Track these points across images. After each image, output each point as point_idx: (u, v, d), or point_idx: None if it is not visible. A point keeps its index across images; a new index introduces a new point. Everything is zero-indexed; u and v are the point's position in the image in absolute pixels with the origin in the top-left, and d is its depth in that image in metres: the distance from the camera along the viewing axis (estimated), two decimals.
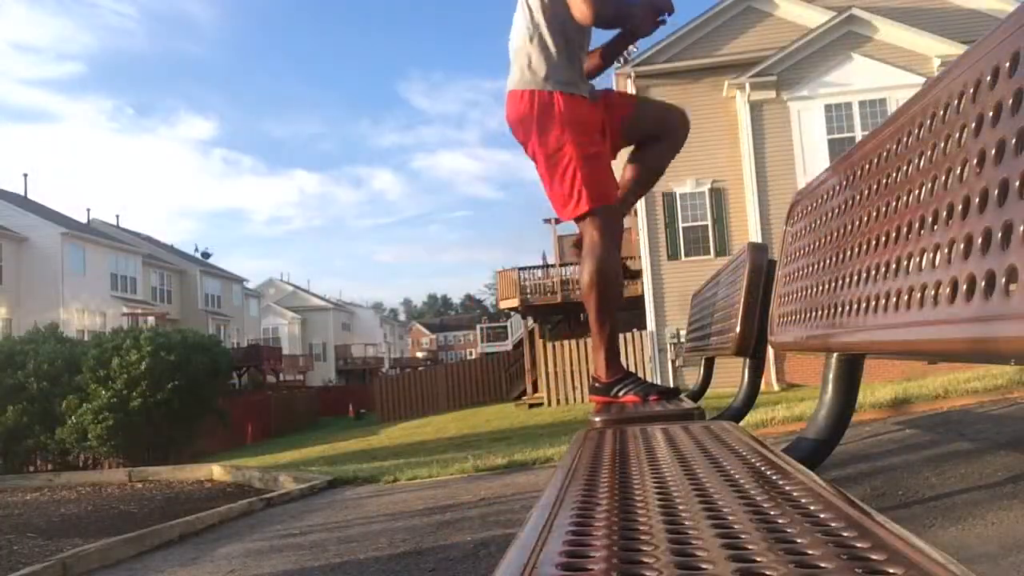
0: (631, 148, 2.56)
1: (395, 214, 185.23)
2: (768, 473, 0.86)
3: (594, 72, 2.63)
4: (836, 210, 1.39)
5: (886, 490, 2.75)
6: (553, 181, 2.32)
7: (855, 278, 1.18)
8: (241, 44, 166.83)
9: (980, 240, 0.75)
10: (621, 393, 2.29)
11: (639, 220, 15.41)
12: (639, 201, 2.84)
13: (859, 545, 0.54)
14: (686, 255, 15.17)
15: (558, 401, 16.05)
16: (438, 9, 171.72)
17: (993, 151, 0.75)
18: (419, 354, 77.14)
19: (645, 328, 15.39)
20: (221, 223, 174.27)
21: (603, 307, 2.32)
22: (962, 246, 0.79)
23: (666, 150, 2.52)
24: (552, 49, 2.34)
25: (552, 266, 21.86)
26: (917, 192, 0.97)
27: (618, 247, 2.41)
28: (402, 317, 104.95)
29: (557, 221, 22.69)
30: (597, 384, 2.36)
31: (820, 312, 1.38)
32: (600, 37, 2.57)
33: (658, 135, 2.51)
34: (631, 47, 2.65)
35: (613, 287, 2.33)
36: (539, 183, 2.43)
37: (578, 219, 2.34)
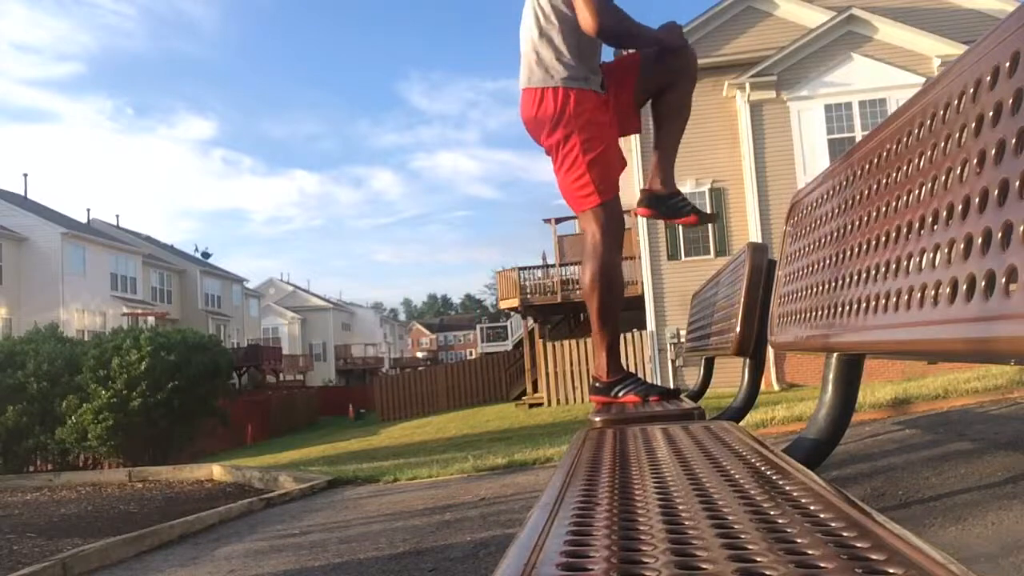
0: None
1: (395, 214, 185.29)
2: (768, 473, 0.86)
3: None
4: (836, 210, 1.39)
5: (886, 490, 2.75)
6: (563, 175, 2.36)
7: (855, 278, 1.18)
8: (240, 44, 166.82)
9: (980, 240, 0.75)
10: (621, 393, 2.30)
11: (639, 220, 15.41)
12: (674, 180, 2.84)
13: (859, 545, 0.54)
14: (686, 255, 15.17)
15: (558, 401, 16.05)
16: (438, 10, 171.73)
17: (993, 151, 0.75)
18: (419, 354, 77.12)
19: (645, 328, 15.39)
20: (221, 223, 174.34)
21: (605, 308, 2.33)
22: (962, 246, 0.79)
23: (682, 90, 2.53)
24: (562, 46, 2.33)
25: (552, 266, 21.85)
26: (917, 192, 0.97)
27: (619, 245, 2.42)
28: (402, 317, 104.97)
29: (557, 221, 22.69)
30: (598, 384, 2.37)
31: (820, 312, 1.38)
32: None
33: (671, 82, 2.51)
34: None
35: (614, 288, 2.35)
36: (539, 182, 2.43)
37: (582, 214, 2.37)
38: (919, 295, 0.90)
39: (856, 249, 1.21)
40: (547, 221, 23.84)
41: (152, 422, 14.53)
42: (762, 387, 3.35)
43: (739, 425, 1.44)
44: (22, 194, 32.56)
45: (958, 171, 0.83)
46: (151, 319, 28.03)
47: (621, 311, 2.42)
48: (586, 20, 2.22)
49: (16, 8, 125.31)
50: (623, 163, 2.46)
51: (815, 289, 1.45)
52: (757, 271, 2.35)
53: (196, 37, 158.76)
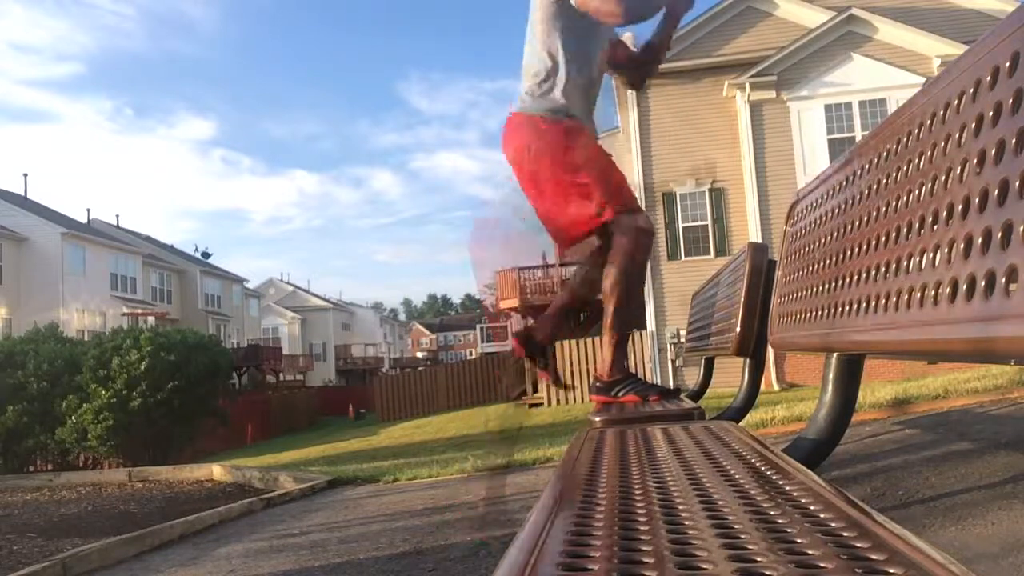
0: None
1: (395, 214, 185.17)
2: (768, 473, 0.86)
3: (645, 69, 2.63)
4: (836, 210, 1.39)
5: (886, 490, 2.75)
6: (567, 197, 2.29)
7: (855, 278, 1.18)
8: (240, 44, 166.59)
9: (980, 240, 0.75)
10: (621, 393, 2.29)
11: None
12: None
13: (859, 545, 0.54)
14: (686, 255, 15.16)
15: (558, 401, 16.04)
16: (437, 10, 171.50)
17: (993, 151, 0.75)
18: (419, 354, 77.09)
19: (645, 328, 15.39)
20: (221, 223, 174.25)
21: (621, 311, 2.32)
22: (962, 246, 0.79)
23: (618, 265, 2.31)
24: (563, 78, 2.32)
25: (552, 266, 21.84)
26: (917, 192, 0.96)
27: (646, 254, 2.38)
28: (402, 317, 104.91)
29: None
30: (599, 384, 2.37)
31: (820, 312, 1.38)
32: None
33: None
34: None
35: (634, 294, 2.34)
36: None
37: (600, 228, 2.31)
38: (919, 295, 0.90)
39: (856, 249, 1.21)
40: None
41: (152, 422, 14.53)
42: (762, 387, 3.35)
43: (739, 425, 1.44)
44: (22, 194, 32.55)
45: (958, 171, 0.83)
46: (151, 319, 28.02)
47: (633, 314, 2.42)
48: (610, 13, 2.19)
49: (15, 8, 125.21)
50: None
51: (815, 289, 1.45)
52: (757, 271, 2.34)
53: (195, 37, 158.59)
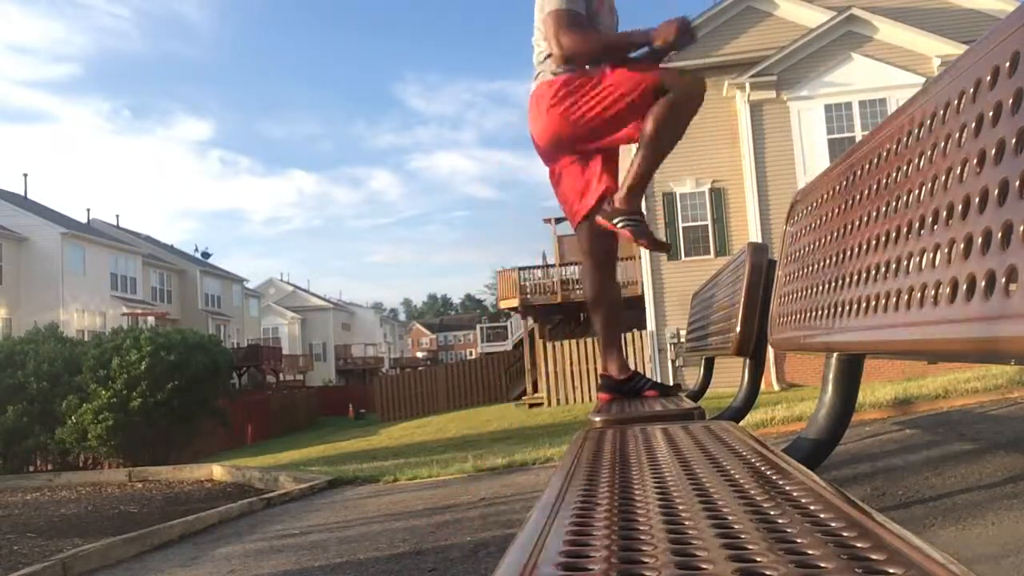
0: None
1: (394, 214, 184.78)
2: (768, 473, 0.86)
3: None
4: (836, 210, 1.39)
5: (886, 490, 2.75)
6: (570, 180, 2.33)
7: (855, 278, 1.18)
8: (237, 45, 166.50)
9: (980, 240, 0.75)
10: (647, 386, 2.38)
11: None
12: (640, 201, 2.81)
13: (859, 545, 0.54)
14: (686, 255, 15.17)
15: (558, 401, 16.05)
16: (434, 12, 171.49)
17: (993, 151, 0.75)
18: (419, 354, 77.11)
19: (645, 328, 15.39)
20: (220, 223, 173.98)
21: (608, 316, 2.34)
22: (962, 246, 0.79)
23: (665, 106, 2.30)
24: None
25: (552, 266, 21.85)
26: (917, 192, 0.96)
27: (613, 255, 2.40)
28: (402, 317, 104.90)
29: (557, 221, 22.69)
30: (609, 382, 2.42)
31: (820, 312, 1.38)
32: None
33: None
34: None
35: (615, 299, 2.37)
36: (538, 182, 2.40)
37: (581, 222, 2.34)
38: (919, 295, 0.90)
39: (856, 249, 1.21)
40: (547, 221, 23.85)
41: (152, 422, 14.53)
42: (762, 387, 3.35)
43: (739, 425, 1.44)
44: (22, 194, 32.55)
45: (958, 171, 0.83)
46: (151, 319, 28.03)
47: (621, 317, 2.45)
48: (552, 50, 2.21)
49: (10, 9, 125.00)
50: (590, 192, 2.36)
51: (815, 289, 1.45)
52: (757, 271, 2.34)
53: (191, 38, 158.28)
